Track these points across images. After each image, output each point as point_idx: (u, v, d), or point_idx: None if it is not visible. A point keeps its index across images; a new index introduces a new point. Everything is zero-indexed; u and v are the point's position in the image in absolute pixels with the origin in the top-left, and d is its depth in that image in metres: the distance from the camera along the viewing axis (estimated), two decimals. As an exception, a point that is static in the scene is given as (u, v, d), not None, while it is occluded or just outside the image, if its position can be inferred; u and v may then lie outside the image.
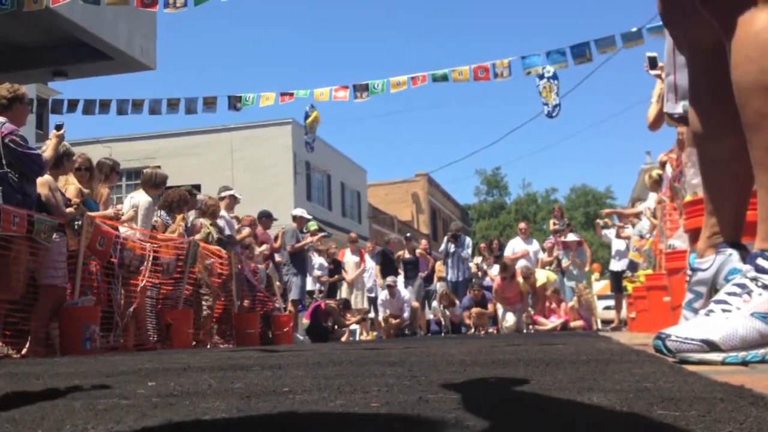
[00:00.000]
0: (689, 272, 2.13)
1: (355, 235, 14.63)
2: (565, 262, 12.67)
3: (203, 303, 8.14)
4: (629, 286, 9.50)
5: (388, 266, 13.12)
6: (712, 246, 2.06)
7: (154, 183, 7.70)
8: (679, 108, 3.16)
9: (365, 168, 34.25)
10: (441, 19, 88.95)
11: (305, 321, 11.50)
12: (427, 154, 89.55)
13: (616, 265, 11.85)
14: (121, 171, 7.90)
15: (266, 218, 10.94)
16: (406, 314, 12.28)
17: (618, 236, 11.80)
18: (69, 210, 5.91)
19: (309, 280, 12.12)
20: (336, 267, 13.03)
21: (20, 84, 5.98)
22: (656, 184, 8.87)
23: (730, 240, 2.01)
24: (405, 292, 12.45)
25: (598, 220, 13.67)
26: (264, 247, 10.26)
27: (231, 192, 9.94)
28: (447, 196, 45.77)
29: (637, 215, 11.49)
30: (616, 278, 11.81)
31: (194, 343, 7.50)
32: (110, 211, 6.61)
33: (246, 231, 9.77)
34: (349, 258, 13.32)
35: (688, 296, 2.13)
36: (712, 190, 2.08)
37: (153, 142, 25.01)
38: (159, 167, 8.43)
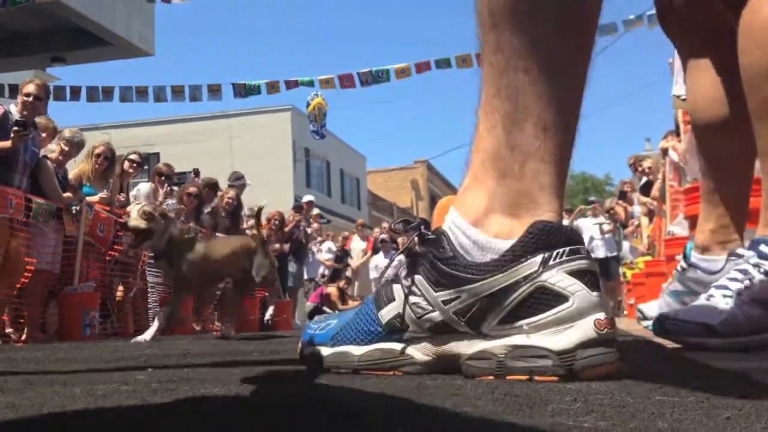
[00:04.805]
0: (684, 264, 2.09)
1: (363, 221, 14.68)
2: None
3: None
4: (628, 273, 9.52)
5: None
6: (720, 243, 2.00)
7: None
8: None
9: (364, 155, 34.19)
10: (442, 8, 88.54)
11: (309, 303, 11.60)
12: (427, 141, 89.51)
13: (598, 252, 11.73)
14: (120, 157, 7.89)
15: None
16: None
17: (602, 233, 11.79)
18: (66, 195, 5.90)
19: (311, 266, 12.20)
20: (343, 255, 13.11)
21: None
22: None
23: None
24: None
25: (581, 207, 13.65)
26: (278, 246, 10.41)
27: (241, 181, 10.07)
28: (447, 183, 45.72)
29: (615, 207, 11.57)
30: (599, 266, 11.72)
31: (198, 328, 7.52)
32: (104, 194, 6.54)
33: (250, 224, 9.90)
34: (356, 244, 13.37)
35: (677, 286, 2.09)
36: (719, 180, 2.03)
37: (152, 129, 24.92)
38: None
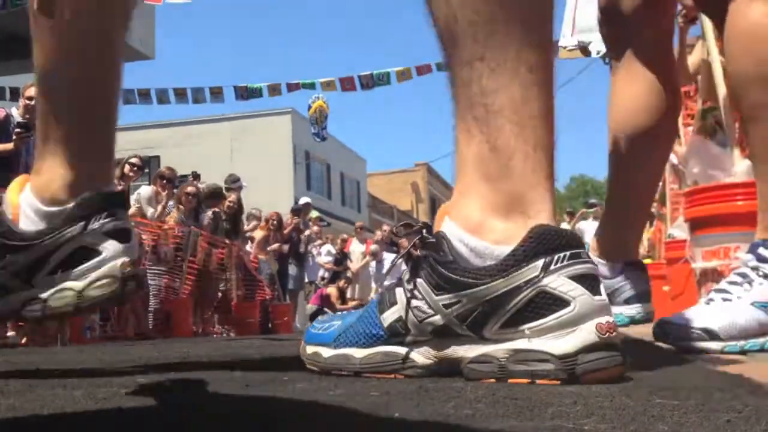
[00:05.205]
0: None
1: (362, 223, 14.72)
2: None
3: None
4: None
5: None
6: (617, 250, 2.05)
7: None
8: (573, 40, 3.44)
9: (365, 158, 34.25)
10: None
11: (310, 306, 11.62)
12: (427, 144, 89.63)
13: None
14: (120, 161, 7.92)
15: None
16: None
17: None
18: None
19: (311, 269, 12.21)
20: (342, 258, 13.13)
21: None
22: None
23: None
24: None
25: (583, 210, 13.63)
26: (276, 246, 10.40)
27: (238, 183, 10.04)
28: (447, 186, 45.77)
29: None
30: None
31: (199, 330, 7.52)
32: None
33: (252, 225, 9.89)
34: (355, 247, 13.39)
35: None
36: (628, 188, 2.07)
37: (152, 132, 24.95)
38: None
